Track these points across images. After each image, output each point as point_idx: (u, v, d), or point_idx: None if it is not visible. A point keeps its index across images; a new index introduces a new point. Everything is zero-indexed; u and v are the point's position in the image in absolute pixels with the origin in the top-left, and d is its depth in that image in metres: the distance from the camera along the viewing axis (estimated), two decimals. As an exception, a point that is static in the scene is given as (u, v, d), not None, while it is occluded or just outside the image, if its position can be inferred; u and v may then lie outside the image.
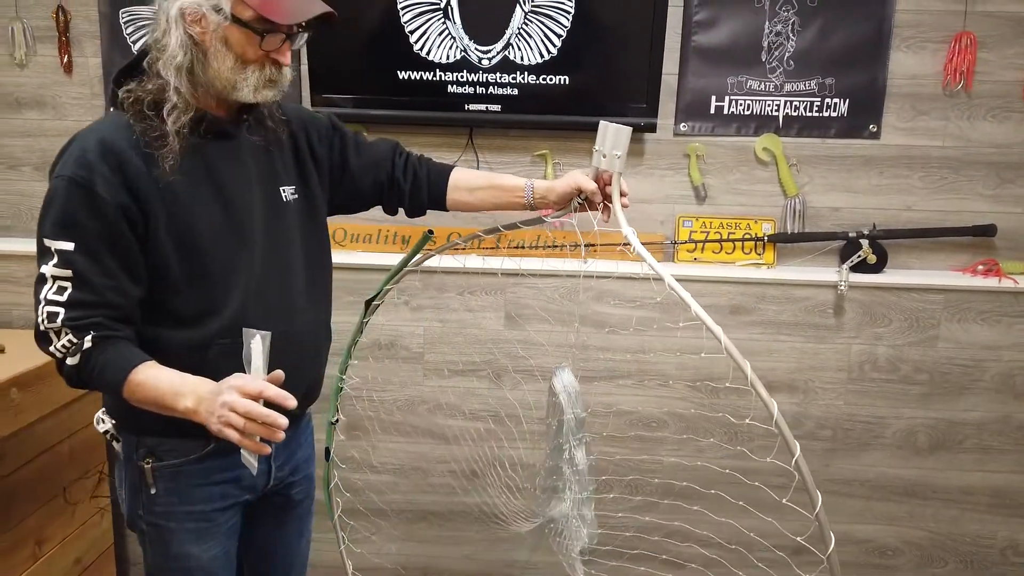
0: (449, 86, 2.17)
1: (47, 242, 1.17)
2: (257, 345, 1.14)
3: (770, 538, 2.07)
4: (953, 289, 2.17)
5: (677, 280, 1.20)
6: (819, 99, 2.18)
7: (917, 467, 2.27)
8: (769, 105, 2.20)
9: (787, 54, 2.17)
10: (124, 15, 2.22)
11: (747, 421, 2.10)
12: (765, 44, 2.17)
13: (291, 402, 1.08)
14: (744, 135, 2.21)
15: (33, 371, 1.86)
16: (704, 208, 2.26)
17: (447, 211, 1.55)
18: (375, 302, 1.56)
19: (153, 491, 1.32)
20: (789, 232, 2.22)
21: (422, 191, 1.51)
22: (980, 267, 2.20)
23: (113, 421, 1.36)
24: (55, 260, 1.16)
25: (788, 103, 2.19)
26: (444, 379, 2.30)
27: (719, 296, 2.21)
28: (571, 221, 1.44)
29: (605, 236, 1.38)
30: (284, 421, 1.08)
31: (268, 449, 1.11)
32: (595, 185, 1.37)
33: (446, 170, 1.53)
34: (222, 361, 1.22)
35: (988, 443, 2.25)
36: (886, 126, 2.18)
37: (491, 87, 2.16)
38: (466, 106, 2.18)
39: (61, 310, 1.16)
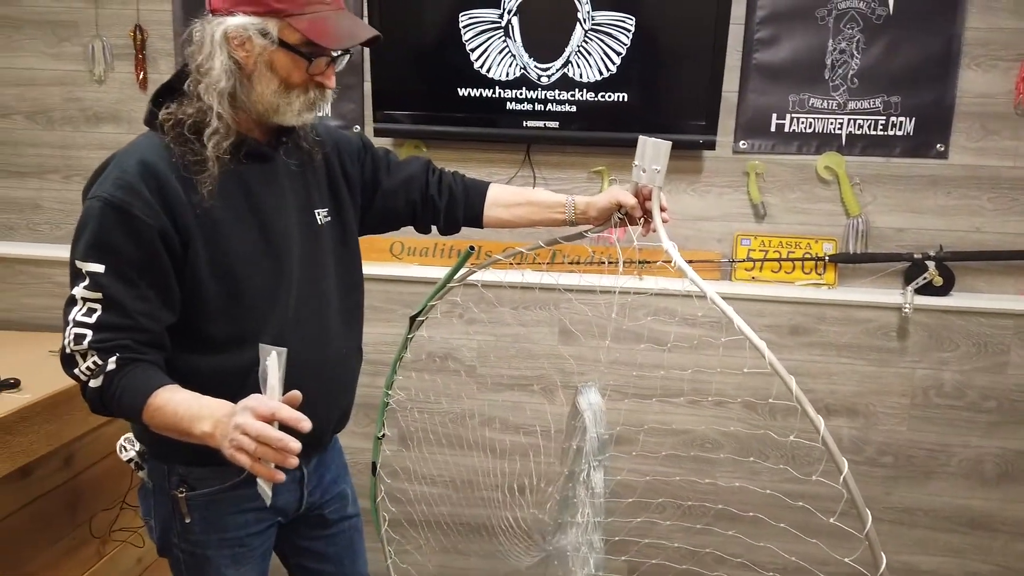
0: (508, 103, 2.19)
1: (79, 264, 1.15)
2: (273, 362, 1.07)
3: (828, 566, 2.02)
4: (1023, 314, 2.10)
5: (732, 299, 1.19)
6: (884, 118, 2.14)
7: (984, 498, 2.19)
8: (832, 123, 2.16)
9: (851, 72, 2.13)
10: (204, 24, 2.30)
11: (791, 439, 2.06)
12: (828, 62, 2.14)
13: (306, 424, 1.01)
14: (805, 153, 2.18)
15: (103, 375, 1.93)
16: (763, 226, 2.23)
17: (483, 228, 1.53)
18: (419, 318, 1.56)
19: (188, 520, 1.30)
20: (851, 252, 2.18)
21: (458, 208, 1.49)
22: (1053, 292, 2.12)
23: (138, 449, 1.34)
24: (86, 282, 1.13)
25: (852, 121, 2.15)
26: (496, 393, 2.31)
27: (778, 316, 2.18)
28: (612, 236, 1.43)
29: (650, 252, 1.36)
30: (296, 446, 1.00)
31: (282, 477, 1.02)
32: (635, 200, 1.36)
33: (483, 187, 1.51)
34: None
35: (1061, 475, 2.16)
36: (954, 145, 2.13)
37: (549, 104, 2.18)
38: (524, 123, 2.20)
39: (89, 332, 1.13)
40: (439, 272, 2.20)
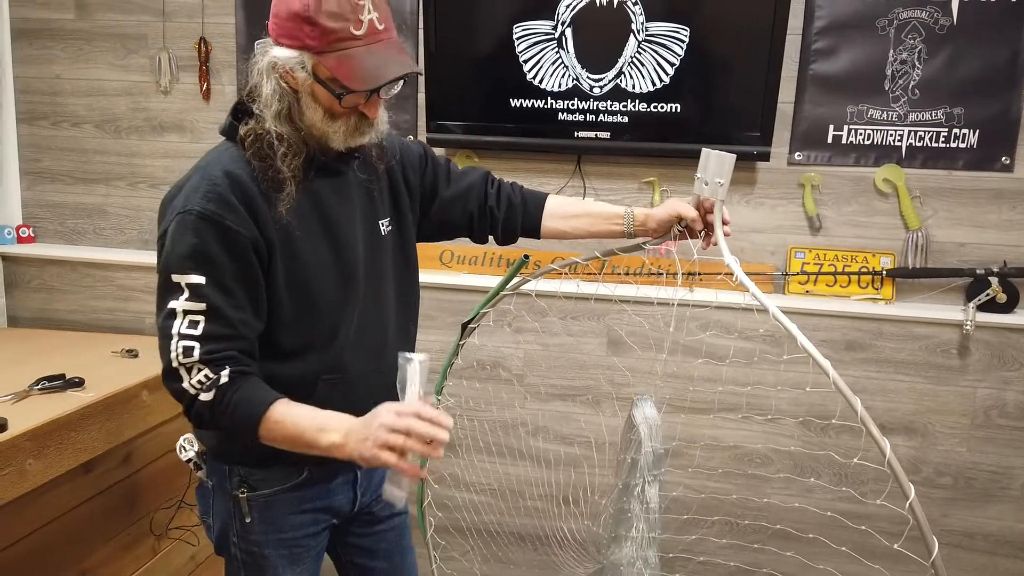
0: (560, 114, 2.20)
1: (176, 277, 1.15)
2: (413, 368, 1.12)
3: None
4: (1094, 333, 2.02)
5: (787, 312, 1.17)
6: (946, 129, 2.09)
7: (1049, 524, 2.11)
8: (891, 135, 2.12)
9: (912, 83, 2.09)
10: (258, 46, 2.37)
11: (855, 461, 2.01)
12: (889, 72, 2.10)
13: (448, 422, 1.08)
14: (863, 165, 2.14)
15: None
16: (818, 239, 2.19)
17: (540, 239, 1.54)
18: (471, 325, 1.57)
19: (248, 520, 1.33)
20: (910, 267, 2.12)
21: (516, 219, 1.50)
22: None
23: (198, 449, 1.37)
24: (186, 294, 1.14)
25: (912, 133, 2.10)
26: (543, 402, 2.31)
27: (832, 331, 2.14)
28: (669, 247, 1.43)
29: (707, 265, 1.35)
30: (444, 436, 1.07)
31: (425, 474, 1.09)
32: (695, 213, 1.35)
33: (541, 198, 1.51)
34: (329, 396, 1.25)
35: None
36: (1020, 158, 2.06)
37: (601, 114, 2.18)
38: (575, 133, 2.20)
39: (197, 344, 1.14)
40: (487, 280, 2.22)
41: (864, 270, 2.15)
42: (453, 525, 2.31)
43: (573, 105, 2.19)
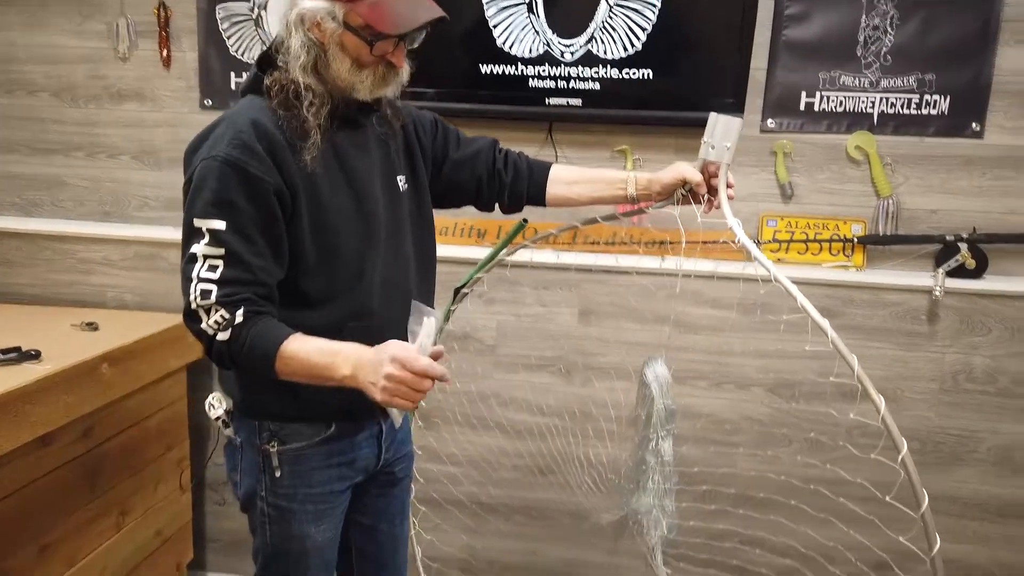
0: (530, 80, 2.16)
1: (198, 222, 1.19)
2: (429, 324, 1.18)
3: (853, 551, 1.99)
4: (1060, 299, 2.03)
5: (761, 281, 1.20)
6: (918, 96, 2.08)
7: (1013, 486, 2.14)
8: (863, 102, 2.11)
9: (884, 49, 2.07)
10: (220, 11, 2.30)
11: (851, 416, 2.03)
12: (861, 39, 2.08)
13: (440, 373, 1.14)
14: (835, 132, 2.13)
15: (123, 348, 1.94)
16: (790, 207, 2.18)
17: (545, 206, 1.56)
18: (463, 290, 1.58)
19: (278, 474, 1.36)
20: (881, 234, 2.13)
21: (522, 184, 1.54)
22: (1091, 276, 2.06)
23: (227, 408, 1.40)
24: (206, 239, 1.18)
25: (884, 100, 2.10)
26: (515, 373, 2.29)
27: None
28: (673, 214, 1.45)
29: (690, 235, 1.36)
30: (426, 386, 1.14)
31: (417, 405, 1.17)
32: (700, 177, 1.39)
33: (546, 165, 1.56)
34: (357, 342, 1.25)
35: (1095, 465, 2.10)
36: (991, 125, 2.06)
37: (572, 81, 2.14)
38: (547, 100, 2.16)
39: (214, 287, 1.18)
40: (462, 252, 2.18)
41: (835, 238, 2.15)
42: (434, 494, 2.29)
43: (544, 71, 2.15)
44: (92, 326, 2.07)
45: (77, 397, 1.77)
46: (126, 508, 2.04)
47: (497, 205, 1.59)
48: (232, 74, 2.34)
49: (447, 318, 1.65)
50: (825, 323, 1.14)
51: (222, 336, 1.19)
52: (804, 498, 2.04)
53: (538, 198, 1.55)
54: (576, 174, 1.55)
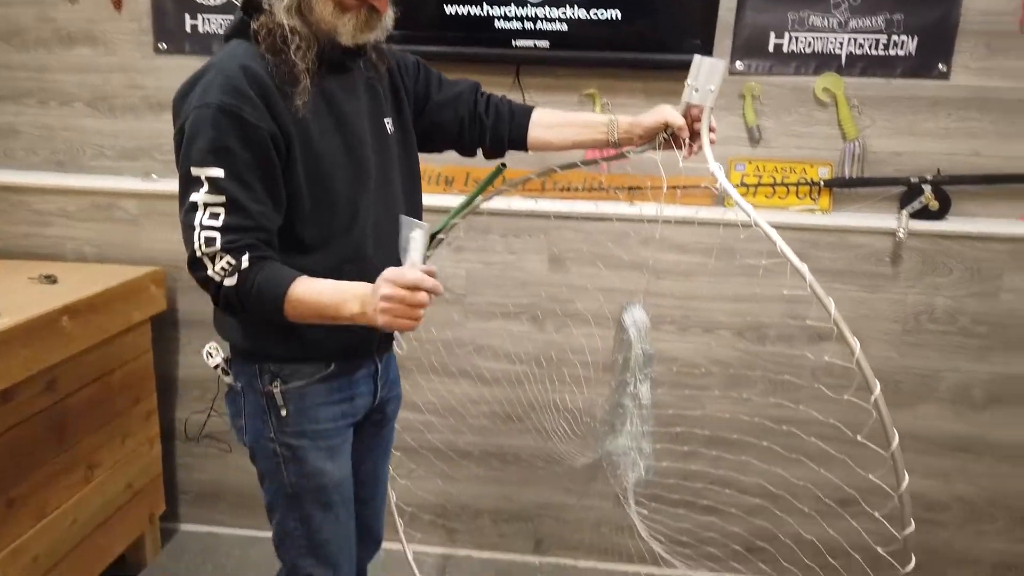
0: (496, 21, 2.11)
1: (195, 171, 1.18)
2: (417, 237, 1.21)
3: (820, 488, 2.05)
4: (1019, 238, 2.06)
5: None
6: (885, 36, 2.07)
7: (971, 422, 2.20)
8: (831, 43, 2.09)
9: (853, -12, 2.06)
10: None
11: (826, 358, 2.07)
12: (830, -23, 2.06)
13: (432, 285, 1.16)
14: (803, 74, 2.12)
15: (84, 301, 1.90)
16: (758, 151, 2.18)
17: (527, 150, 1.55)
18: (439, 235, 1.57)
19: (284, 413, 1.37)
20: (847, 177, 2.14)
21: (503, 128, 1.53)
22: (1050, 216, 2.09)
23: (226, 355, 1.41)
24: (206, 187, 1.17)
25: (852, 40, 2.08)
26: (488, 321, 2.29)
27: (771, 242, 2.14)
28: (655, 157, 1.44)
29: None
30: (420, 299, 1.15)
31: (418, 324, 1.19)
32: (683, 120, 1.38)
33: (528, 108, 1.54)
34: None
35: (1049, 400, 2.17)
36: (957, 66, 2.06)
37: (539, 22, 2.09)
38: (513, 42, 2.12)
39: (217, 234, 1.18)
40: (443, 200, 2.14)
41: (802, 181, 2.16)
42: (406, 441, 2.31)
43: (510, 12, 2.10)
44: (50, 279, 2.02)
45: (37, 351, 1.73)
46: (94, 461, 2.03)
47: (480, 150, 1.58)
48: (187, 16, 2.25)
49: (424, 263, 1.64)
50: (804, 267, 1.15)
51: (229, 282, 1.19)
52: (775, 439, 2.09)
53: (519, 142, 1.54)
54: (558, 118, 1.53)
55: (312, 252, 1.31)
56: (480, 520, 2.45)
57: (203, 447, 2.47)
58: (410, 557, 2.10)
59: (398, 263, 1.24)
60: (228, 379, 1.42)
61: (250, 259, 1.19)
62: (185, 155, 1.20)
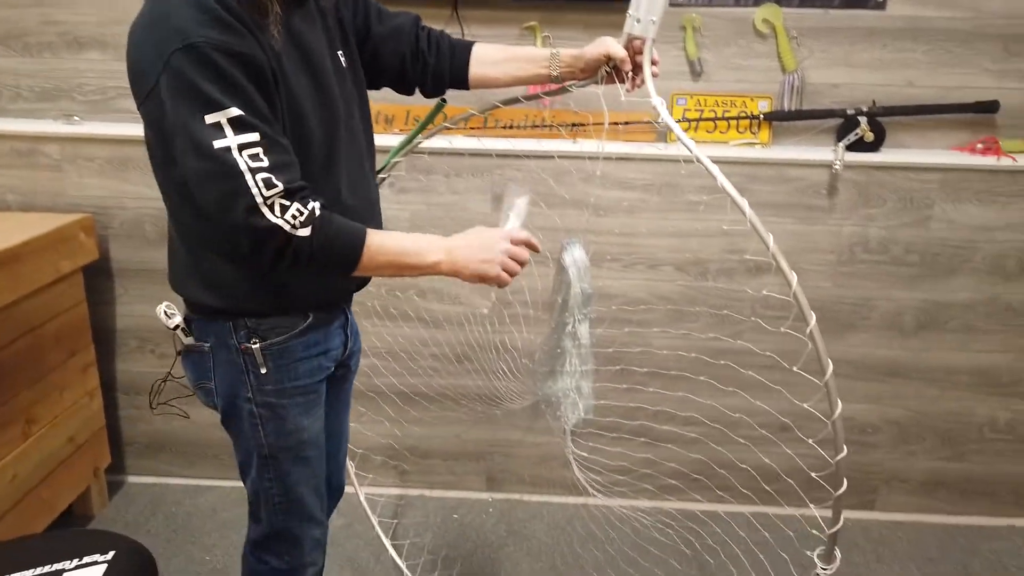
0: (432, -49, 2.04)
1: (210, 118, 1.04)
2: (522, 204, 1.30)
3: (755, 417, 2.11)
4: (949, 168, 2.12)
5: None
6: (823, -35, 2.06)
7: (901, 348, 2.29)
8: (770, -28, 2.08)
9: (792, -85, 2.03)
10: None
11: (764, 292, 2.12)
12: (769, -96, 2.03)
13: (539, 246, 1.28)
14: (743, 5, 2.10)
15: (8, 251, 1.82)
16: (699, 85, 2.17)
17: (468, 89, 1.49)
18: (381, 175, 1.53)
19: (263, 371, 1.29)
20: (786, 110, 2.15)
21: (444, 65, 1.46)
22: (979, 145, 2.14)
23: (185, 314, 1.31)
24: (230, 129, 1.04)
25: (790, -30, 2.07)
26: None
27: (712, 177, 2.16)
28: (597, 92, 1.41)
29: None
30: (526, 256, 1.27)
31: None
32: (625, 53, 1.35)
33: (468, 44, 1.47)
34: None
35: (974, 324, 2.26)
36: (893, -5, 2.08)
37: (476, -48, 2.03)
38: (450, -27, 2.05)
39: (272, 175, 1.06)
40: (384, 140, 2.09)
41: (742, 114, 2.16)
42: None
43: (445, -58, 2.03)
44: (-31, 230, 1.93)
45: (-40, 305, 1.66)
46: (32, 416, 1.98)
47: (418, 88, 1.51)
48: (101, -54, 2.12)
49: None
50: (744, 202, 1.16)
51: (304, 232, 1.09)
52: (714, 371, 2.15)
53: (460, 80, 1.47)
54: (499, 53, 1.47)
55: None
56: (431, 460, 2.48)
57: (145, 399, 2.43)
58: (362, 499, 2.12)
59: (371, 206, 1.19)
60: (189, 340, 1.31)
61: (321, 206, 1.11)
62: (189, 106, 1.05)
